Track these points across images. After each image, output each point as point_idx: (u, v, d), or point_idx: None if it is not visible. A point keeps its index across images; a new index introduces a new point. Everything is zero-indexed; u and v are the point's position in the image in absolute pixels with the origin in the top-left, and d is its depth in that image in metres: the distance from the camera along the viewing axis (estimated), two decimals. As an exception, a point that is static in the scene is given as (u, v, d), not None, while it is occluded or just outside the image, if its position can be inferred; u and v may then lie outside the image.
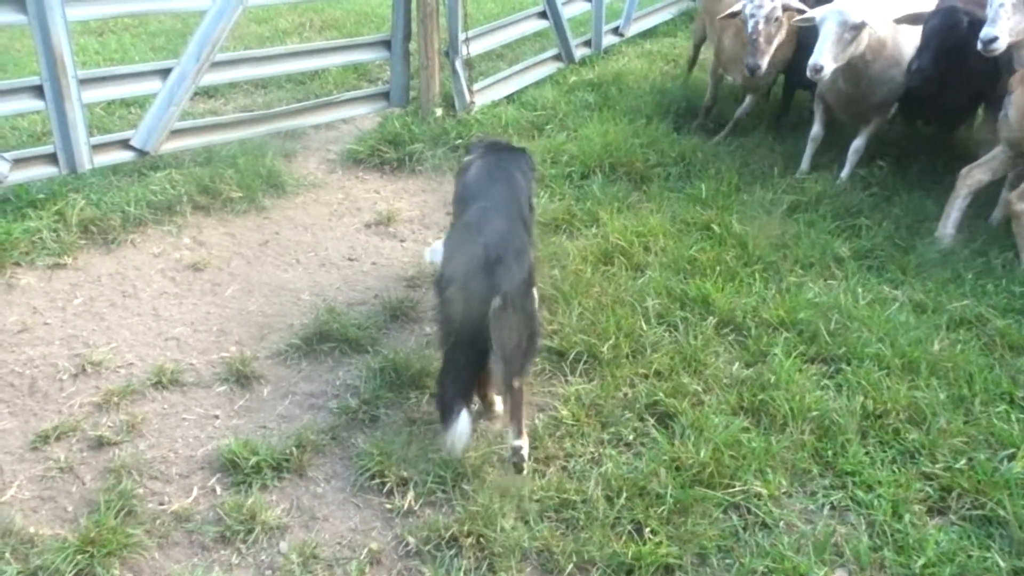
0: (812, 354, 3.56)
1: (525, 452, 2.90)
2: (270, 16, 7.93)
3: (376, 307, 4.00)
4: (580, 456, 3.08)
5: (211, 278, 4.26)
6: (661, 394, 3.30)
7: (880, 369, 3.42)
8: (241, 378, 3.51)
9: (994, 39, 4.01)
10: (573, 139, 5.55)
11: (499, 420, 3.13)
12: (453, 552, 2.71)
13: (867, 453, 3.04)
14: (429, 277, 4.13)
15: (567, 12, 6.84)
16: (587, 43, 7.22)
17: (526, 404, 2.95)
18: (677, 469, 2.96)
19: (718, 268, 4.11)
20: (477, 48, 6.01)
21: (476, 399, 2.98)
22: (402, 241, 4.70)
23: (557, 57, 6.91)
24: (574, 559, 2.66)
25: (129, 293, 4.10)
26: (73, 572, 2.62)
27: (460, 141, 5.49)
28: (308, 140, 5.72)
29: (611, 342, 3.59)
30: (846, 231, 4.45)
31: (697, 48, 6.55)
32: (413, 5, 5.71)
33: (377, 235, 4.75)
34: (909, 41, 4.65)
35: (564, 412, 3.26)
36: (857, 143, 4.97)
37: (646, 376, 3.44)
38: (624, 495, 2.85)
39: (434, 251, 3.46)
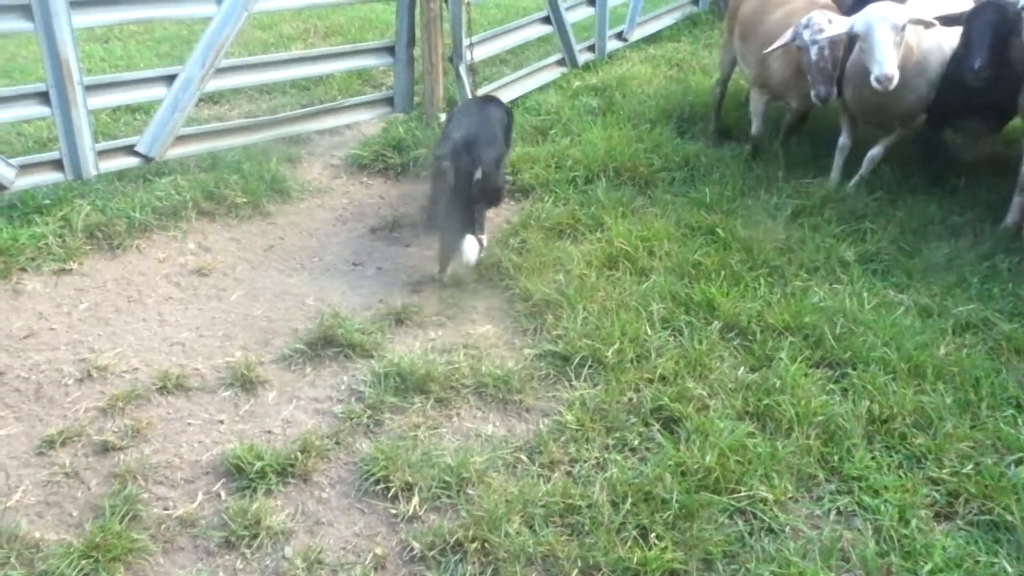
0: (817, 359, 3.54)
1: (484, 241, 4.27)
2: (275, 22, 7.96)
3: (380, 312, 4.00)
4: (585, 461, 3.07)
5: (216, 283, 4.26)
6: (666, 399, 3.29)
7: (886, 373, 3.41)
8: (246, 383, 3.52)
9: None
10: (577, 144, 5.55)
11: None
12: (458, 558, 2.70)
13: (873, 458, 3.03)
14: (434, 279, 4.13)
15: (571, 17, 6.85)
16: (591, 48, 7.22)
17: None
18: (682, 474, 2.95)
19: (723, 272, 4.10)
20: (481, 53, 6.02)
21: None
22: (406, 246, 4.70)
23: (561, 62, 6.91)
24: (579, 564, 2.65)
25: (134, 298, 4.11)
26: (78, 577, 2.62)
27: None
28: (312, 145, 5.73)
29: (615, 347, 3.59)
30: (851, 235, 4.44)
31: (726, 81, 5.90)
32: (417, 11, 5.72)
33: (381, 240, 4.75)
34: (934, 47, 4.52)
35: (569, 417, 3.26)
36: (875, 151, 4.86)
37: (651, 381, 3.44)
38: (629, 500, 2.85)
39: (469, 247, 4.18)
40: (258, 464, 3.03)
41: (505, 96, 6.24)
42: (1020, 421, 3.15)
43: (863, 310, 3.80)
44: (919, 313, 3.82)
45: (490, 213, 4.87)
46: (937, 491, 2.90)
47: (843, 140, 5.00)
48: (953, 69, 4.44)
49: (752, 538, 2.75)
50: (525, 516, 2.82)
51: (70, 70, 4.51)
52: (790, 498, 2.91)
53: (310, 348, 3.70)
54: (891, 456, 3.05)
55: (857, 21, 4.32)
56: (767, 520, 2.81)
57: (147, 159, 4.98)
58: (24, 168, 4.58)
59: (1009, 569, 2.59)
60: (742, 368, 3.51)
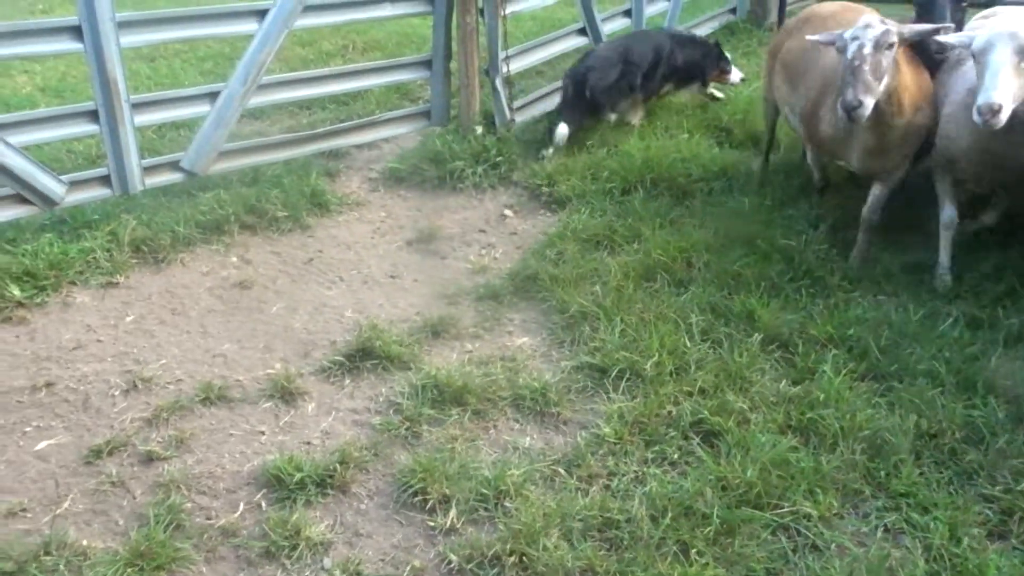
0: (862, 371, 3.47)
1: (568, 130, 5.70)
2: (314, 39, 8.09)
3: (418, 324, 4.02)
4: (624, 475, 3.04)
5: (257, 296, 4.33)
6: (706, 412, 3.25)
7: (934, 387, 3.32)
8: (286, 394, 3.56)
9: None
10: (614, 155, 5.53)
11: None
12: (495, 571, 2.69)
13: (922, 474, 2.95)
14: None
15: (607, 28, 6.84)
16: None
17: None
18: (723, 489, 2.91)
19: (763, 284, 4.04)
20: (517, 66, 6.04)
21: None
22: (443, 258, 4.72)
23: (597, 73, 6.90)
24: (618, 579, 2.63)
25: (178, 311, 4.19)
26: (123, 586, 2.67)
27: (500, 158, 5.52)
28: (351, 159, 5.80)
29: (654, 359, 3.55)
30: (895, 245, 4.35)
31: (772, 128, 5.23)
32: (453, 25, 5.77)
33: (419, 252, 4.78)
34: None
35: (607, 430, 3.23)
36: (987, 219, 4.21)
37: (690, 394, 3.40)
38: (669, 515, 2.81)
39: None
40: (298, 475, 3.06)
41: (540, 108, 6.26)
42: (1076, 436, 3.05)
43: (909, 321, 3.72)
44: (968, 324, 3.72)
45: (527, 225, 4.93)
46: (990, 509, 2.81)
47: (947, 213, 3.99)
48: None
49: (796, 555, 2.70)
50: (563, 530, 2.80)
51: (118, 89, 4.63)
52: (835, 514, 2.84)
53: (348, 360, 3.73)
54: (940, 472, 2.97)
55: (978, 37, 3.52)
56: (811, 537, 2.75)
57: (191, 174, 5.09)
58: (74, 184, 4.71)
59: (1066, 590, 2.50)
60: (784, 381, 3.45)
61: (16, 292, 4.09)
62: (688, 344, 3.66)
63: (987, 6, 4.62)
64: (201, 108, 5.07)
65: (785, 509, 2.82)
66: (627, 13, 7.19)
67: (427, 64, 5.93)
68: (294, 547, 2.81)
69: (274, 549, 2.81)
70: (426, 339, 3.90)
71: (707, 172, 5.25)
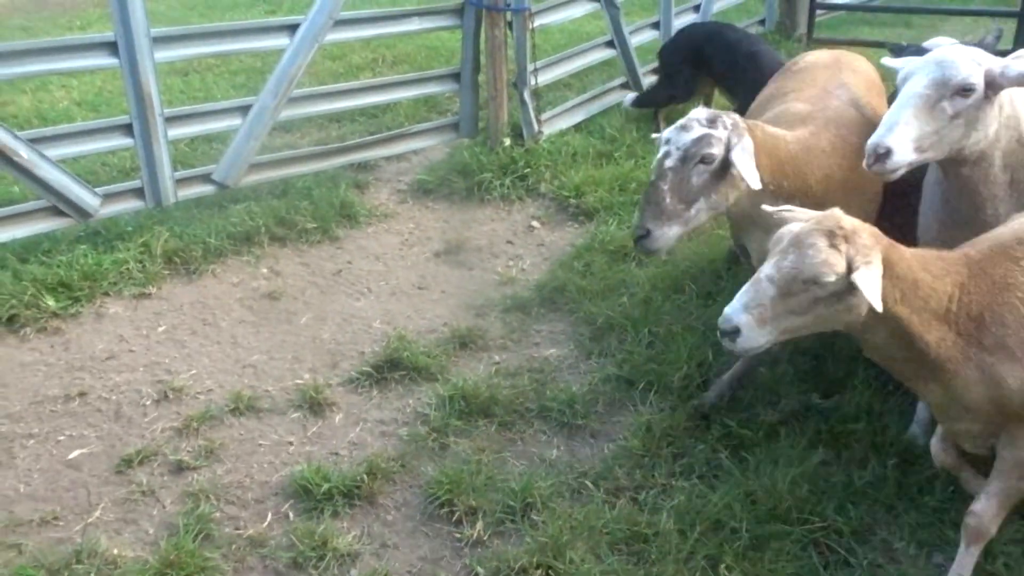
0: (893, 385, 3.41)
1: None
2: (344, 52, 8.18)
3: (445, 335, 4.03)
4: (651, 488, 3.01)
5: (286, 307, 4.37)
6: (734, 424, 3.21)
7: (969, 401, 3.25)
8: (314, 405, 3.58)
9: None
10: (641, 166, 5.51)
11: None
12: (522, 584, 2.67)
13: (955, 490, 2.89)
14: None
15: (634, 40, 6.84)
16: (655, 70, 7.19)
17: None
18: (752, 503, 2.87)
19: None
20: (545, 78, 6.06)
21: None
22: (471, 269, 4.73)
23: (625, 85, 6.90)
24: (646, 594, 2.60)
25: (209, 321, 4.24)
26: (153, 594, 2.69)
27: (528, 170, 5.53)
28: (380, 171, 5.84)
29: (681, 371, 3.52)
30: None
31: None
32: (482, 38, 5.80)
33: (447, 264, 4.80)
34: None
35: (634, 442, 3.21)
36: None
37: (718, 406, 3.36)
38: (697, 529, 2.78)
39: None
40: (325, 486, 3.07)
41: (568, 120, 6.26)
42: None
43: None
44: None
45: (554, 236, 4.93)
46: (1027, 526, 2.75)
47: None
48: None
49: (827, 571, 2.65)
50: (590, 543, 2.78)
51: (152, 103, 4.71)
52: (867, 530, 2.79)
53: (376, 371, 3.75)
54: (976, 488, 2.90)
55: (906, 65, 2.82)
56: (842, 552, 2.70)
57: (223, 186, 5.16)
58: (108, 197, 4.80)
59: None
60: (814, 394, 3.40)
61: (51, 303, 4.17)
62: (714, 356, 3.62)
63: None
64: (233, 121, 5.15)
65: (816, 524, 2.78)
66: (655, 25, 7.18)
67: (455, 77, 5.97)
68: (321, 558, 2.82)
69: (301, 560, 2.83)
70: (453, 350, 3.91)
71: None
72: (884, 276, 2.24)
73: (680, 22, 7.28)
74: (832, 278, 2.22)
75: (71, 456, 3.35)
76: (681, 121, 2.96)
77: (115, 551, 2.88)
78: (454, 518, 2.95)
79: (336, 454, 3.33)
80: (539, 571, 2.69)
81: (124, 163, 5.78)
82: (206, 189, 5.15)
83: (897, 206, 3.28)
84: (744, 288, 2.32)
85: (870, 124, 2.99)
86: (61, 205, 4.60)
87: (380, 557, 2.86)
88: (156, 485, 3.19)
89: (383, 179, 5.77)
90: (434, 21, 5.86)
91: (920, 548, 2.73)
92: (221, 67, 8.08)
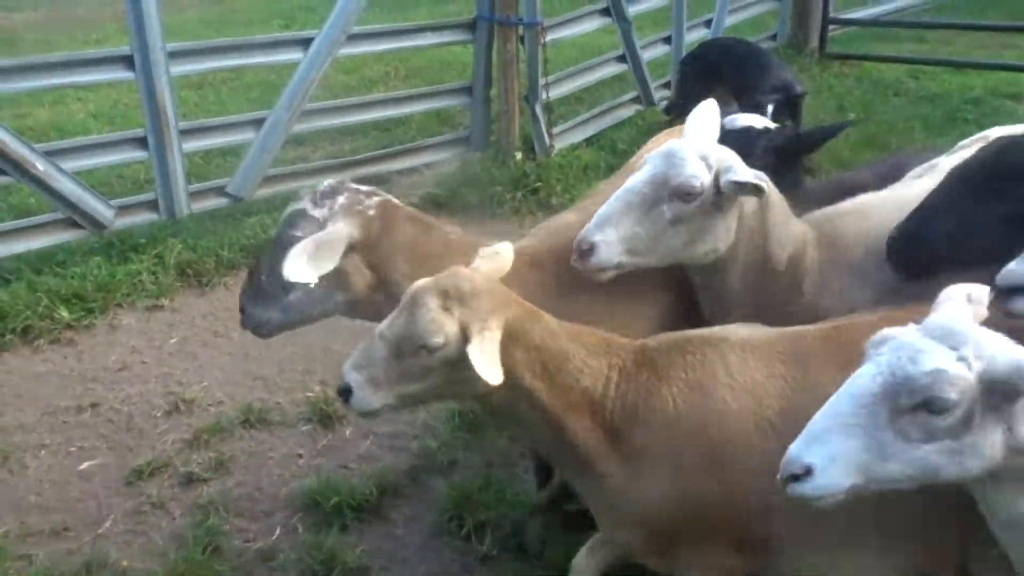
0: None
1: None
2: (357, 66, 8.23)
3: (456, 349, 4.02)
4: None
5: (297, 319, 4.37)
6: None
7: None
8: (324, 418, 3.57)
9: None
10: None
11: None
12: (532, 600, 2.65)
13: None
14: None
15: (646, 55, 6.85)
16: (666, 85, 7.20)
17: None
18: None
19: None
20: (556, 92, 6.07)
21: None
22: (482, 283, 4.72)
23: (636, 100, 6.91)
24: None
25: (221, 333, 4.25)
26: (161, 606, 2.69)
27: (539, 184, 5.53)
28: (392, 184, 5.85)
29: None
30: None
31: None
32: (494, 52, 5.83)
33: (457, 277, 4.79)
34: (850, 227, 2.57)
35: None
36: None
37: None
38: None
39: None
40: (334, 499, 3.06)
41: (580, 134, 6.27)
42: None
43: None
44: None
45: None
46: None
47: None
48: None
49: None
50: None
51: (167, 116, 4.75)
52: None
53: (387, 384, 3.74)
54: None
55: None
56: None
57: (236, 199, 5.19)
58: (122, 209, 4.84)
59: None
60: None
61: (65, 314, 4.19)
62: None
63: None
64: (247, 135, 5.19)
65: None
66: (667, 40, 7.20)
67: (467, 91, 6.00)
68: (330, 571, 2.80)
69: (310, 573, 2.81)
70: (463, 364, 3.89)
71: (748, 198, 5.18)
72: (517, 345, 1.96)
73: (692, 37, 7.30)
74: (439, 341, 1.91)
75: (82, 467, 3.36)
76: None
77: (124, 563, 2.88)
78: (463, 533, 2.93)
79: (346, 467, 3.32)
80: (549, 588, 2.66)
81: (138, 175, 5.82)
82: (220, 202, 5.18)
83: None
84: (361, 346, 2.05)
85: None
86: (76, 217, 4.64)
87: (389, 572, 2.84)
88: (166, 497, 3.19)
89: (395, 192, 5.74)
90: (447, 36, 5.90)
91: None
92: (236, 80, 8.15)
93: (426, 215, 2.78)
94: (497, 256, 2.27)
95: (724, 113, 2.77)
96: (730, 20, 7.85)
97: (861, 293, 2.43)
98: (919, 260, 2.31)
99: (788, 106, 5.28)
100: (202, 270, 4.68)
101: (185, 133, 4.93)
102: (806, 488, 1.61)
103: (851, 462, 1.60)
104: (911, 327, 1.69)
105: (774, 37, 8.42)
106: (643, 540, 2.10)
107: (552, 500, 2.80)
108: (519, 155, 5.91)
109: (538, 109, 5.90)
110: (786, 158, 3.00)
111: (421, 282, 2.02)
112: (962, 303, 1.77)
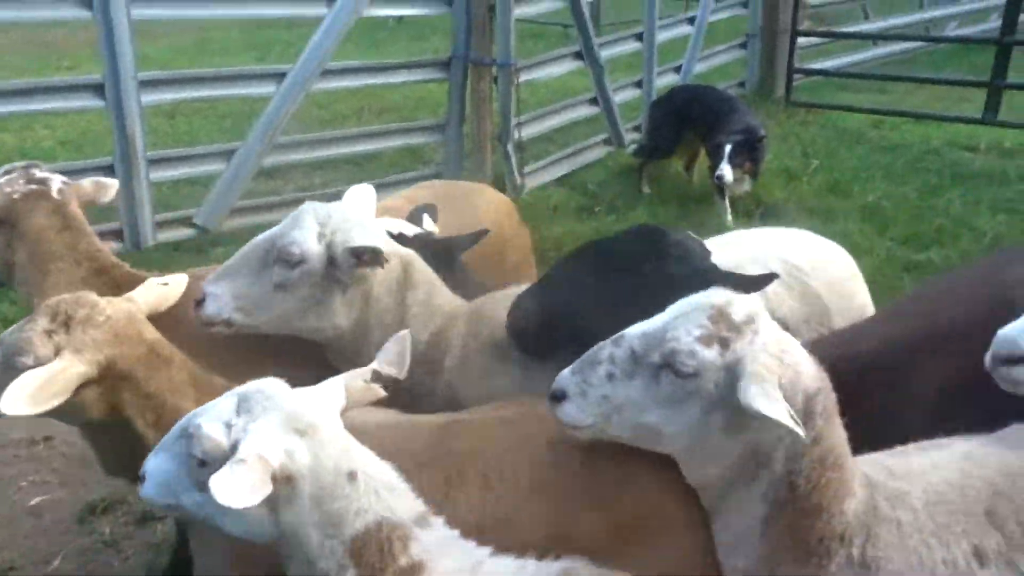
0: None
1: None
2: (331, 101, 8.26)
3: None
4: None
5: (262, 353, 4.31)
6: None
7: None
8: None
9: None
10: (623, 221, 5.56)
11: None
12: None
13: None
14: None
15: (617, 97, 6.98)
16: (637, 127, 7.34)
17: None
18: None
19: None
20: (529, 132, 6.14)
21: None
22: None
23: (607, 141, 7.02)
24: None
25: (182, 366, 4.17)
26: (109, 650, 2.59)
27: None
28: (362, 219, 5.85)
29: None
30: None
31: None
32: (468, 91, 5.89)
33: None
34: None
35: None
36: None
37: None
38: None
39: None
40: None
41: (551, 174, 6.34)
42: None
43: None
44: None
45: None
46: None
47: None
48: None
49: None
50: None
51: (136, 145, 4.72)
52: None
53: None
54: None
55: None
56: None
57: (204, 230, 5.14)
58: (86, 237, 4.76)
59: None
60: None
61: (22, 343, 4.09)
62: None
63: None
64: (217, 166, 5.16)
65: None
66: (638, 84, 7.35)
67: (440, 128, 6.05)
68: (286, 614, 2.73)
69: (266, 616, 2.74)
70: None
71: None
72: (126, 387, 1.97)
73: (661, 82, 7.46)
74: (27, 362, 1.88)
75: (33, 502, 3.25)
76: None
77: (71, 604, 2.78)
78: None
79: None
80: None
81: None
82: (186, 232, 5.13)
83: None
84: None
85: None
86: (38, 244, 4.56)
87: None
88: (119, 535, 3.09)
89: (365, 227, 5.77)
90: (422, 74, 5.95)
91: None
92: (208, 110, 8.14)
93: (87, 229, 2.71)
94: (164, 288, 2.26)
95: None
96: (699, 67, 8.04)
97: (503, 375, 2.27)
98: (537, 335, 2.18)
99: (748, 148, 5.43)
100: (166, 301, 4.60)
101: (154, 162, 4.90)
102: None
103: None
104: None
105: (742, 84, 8.63)
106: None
107: None
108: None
109: (510, 148, 5.96)
110: (439, 261, 2.64)
111: (55, 299, 2.00)
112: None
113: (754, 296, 1.76)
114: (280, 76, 5.22)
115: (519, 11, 5.90)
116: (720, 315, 1.66)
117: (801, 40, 8.45)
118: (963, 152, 6.93)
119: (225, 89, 5.27)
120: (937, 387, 2.02)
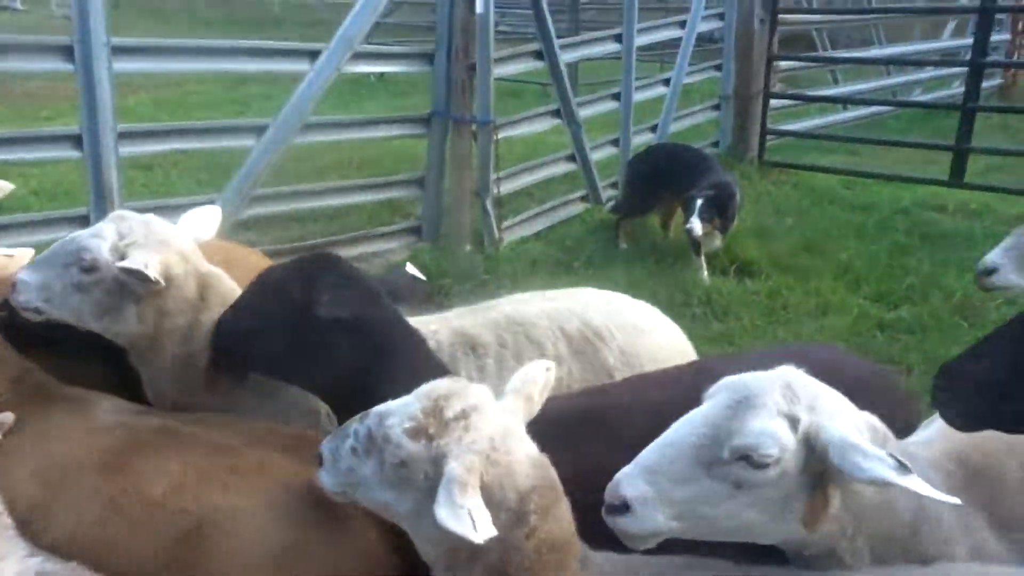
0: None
1: None
2: (310, 154, 8.28)
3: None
4: None
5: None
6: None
7: None
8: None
9: None
10: (599, 277, 5.58)
11: None
12: None
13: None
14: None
15: (595, 155, 7.08)
16: (614, 184, 7.43)
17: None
18: None
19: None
20: (507, 187, 6.20)
21: None
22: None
23: (584, 197, 7.10)
24: None
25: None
26: None
27: (488, 276, 5.57)
28: (339, 272, 5.82)
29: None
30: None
31: None
32: (448, 147, 5.95)
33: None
34: None
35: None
36: None
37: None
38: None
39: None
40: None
41: (530, 229, 6.38)
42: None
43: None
44: None
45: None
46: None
47: None
48: None
49: None
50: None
51: (112, 197, 4.68)
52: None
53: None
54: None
55: None
56: None
57: (177, 282, 5.08)
58: (58, 288, 4.69)
59: None
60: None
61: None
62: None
63: None
64: (193, 217, 5.12)
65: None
66: (615, 142, 7.47)
67: (420, 182, 6.09)
68: None
69: None
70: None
71: (690, 297, 5.28)
72: None
73: (638, 140, 7.59)
74: None
75: None
76: None
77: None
78: None
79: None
80: None
81: (78, 254, 5.68)
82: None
83: None
84: None
85: None
86: (7, 294, 4.48)
87: None
88: None
89: (342, 280, 5.74)
90: (402, 129, 6.02)
91: None
92: (186, 162, 8.13)
93: None
94: (5, 259, 2.64)
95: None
96: (674, 127, 8.20)
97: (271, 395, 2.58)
98: (232, 357, 2.43)
99: (718, 203, 5.52)
100: (137, 353, 4.52)
101: (130, 214, 4.85)
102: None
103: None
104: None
105: (716, 144, 8.81)
106: None
107: None
108: (468, 247, 5.96)
109: (488, 203, 6.00)
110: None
111: None
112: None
113: (480, 388, 1.80)
114: (260, 129, 5.24)
115: (499, 71, 6.01)
116: (434, 409, 1.71)
117: (773, 102, 8.67)
118: (932, 212, 7.08)
119: (204, 142, 5.27)
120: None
